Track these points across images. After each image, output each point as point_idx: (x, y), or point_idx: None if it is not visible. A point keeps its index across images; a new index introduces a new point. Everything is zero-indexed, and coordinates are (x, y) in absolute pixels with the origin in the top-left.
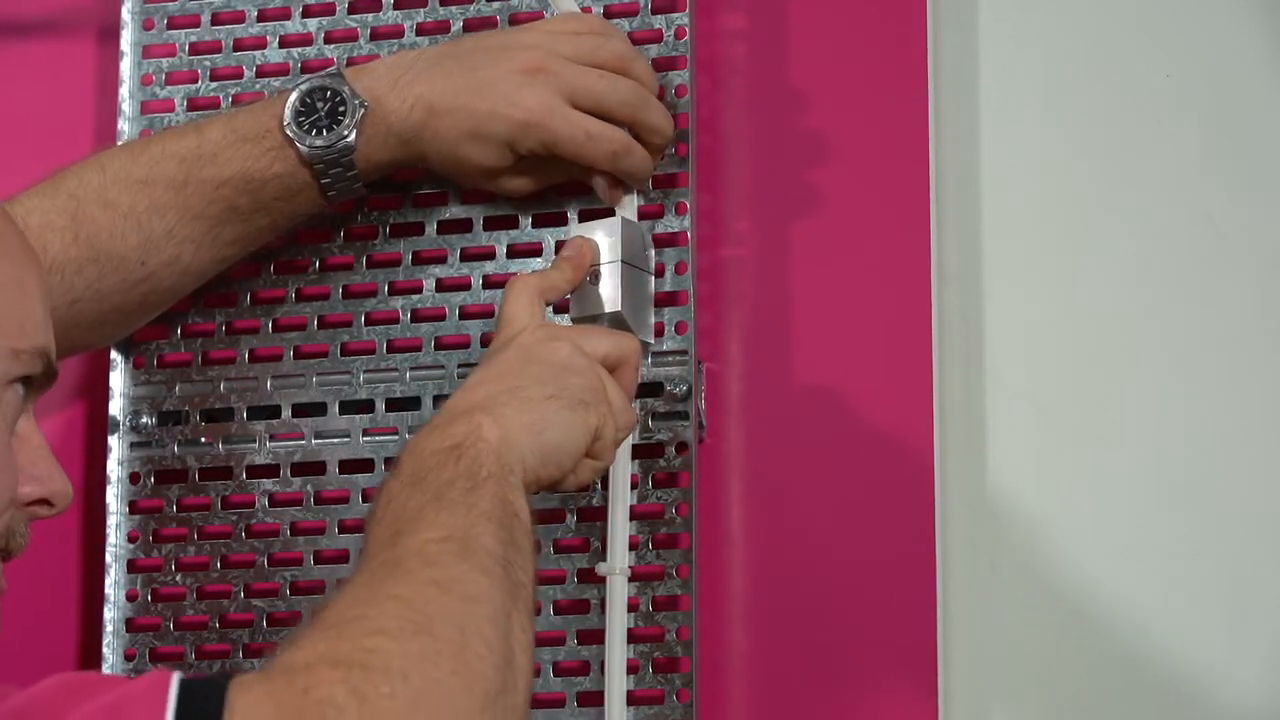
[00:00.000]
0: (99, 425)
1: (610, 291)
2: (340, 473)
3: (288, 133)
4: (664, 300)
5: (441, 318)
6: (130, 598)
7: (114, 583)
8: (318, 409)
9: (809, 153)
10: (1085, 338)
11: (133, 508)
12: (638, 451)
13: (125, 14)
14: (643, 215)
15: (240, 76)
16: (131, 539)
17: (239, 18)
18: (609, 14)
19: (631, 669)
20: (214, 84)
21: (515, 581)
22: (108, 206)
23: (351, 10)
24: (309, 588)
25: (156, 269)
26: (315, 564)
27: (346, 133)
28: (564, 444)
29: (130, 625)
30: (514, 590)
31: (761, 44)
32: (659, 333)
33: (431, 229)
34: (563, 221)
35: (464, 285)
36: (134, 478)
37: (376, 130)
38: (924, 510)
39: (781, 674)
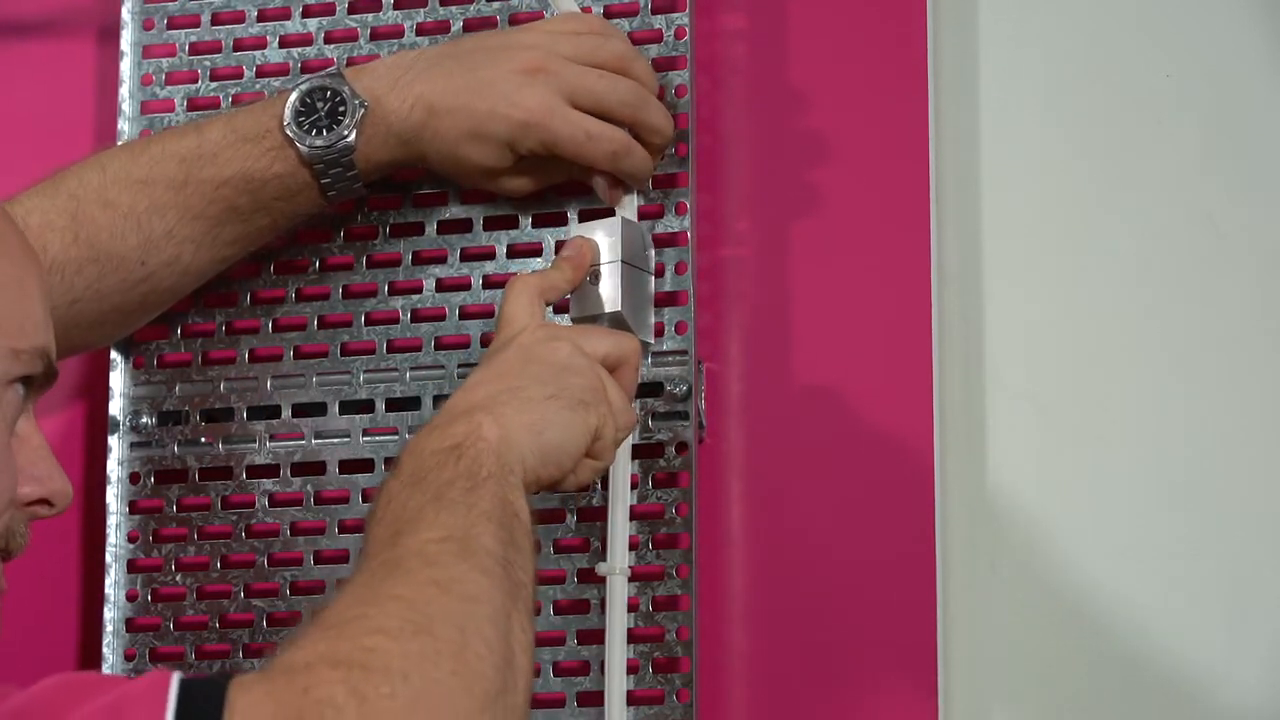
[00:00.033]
0: (99, 425)
1: (610, 291)
2: (340, 473)
3: (288, 133)
4: (664, 300)
5: (441, 318)
6: (130, 598)
7: (114, 583)
8: (318, 409)
9: (809, 153)
10: (1085, 338)
11: (133, 508)
12: (638, 451)
13: (125, 14)
14: (643, 215)
15: (240, 76)
16: (131, 539)
17: (239, 18)
18: (609, 14)
19: (631, 669)
20: (214, 84)
21: (515, 581)
22: (108, 206)
23: (351, 10)
24: (309, 588)
25: (156, 269)
26: (315, 564)
27: (346, 133)
28: (564, 444)
29: (130, 625)
30: (514, 590)
31: (761, 44)
32: (659, 333)
33: (431, 229)
34: (563, 221)
35: (464, 285)
36: (134, 478)
37: (376, 130)
38: (924, 510)
39: (781, 674)
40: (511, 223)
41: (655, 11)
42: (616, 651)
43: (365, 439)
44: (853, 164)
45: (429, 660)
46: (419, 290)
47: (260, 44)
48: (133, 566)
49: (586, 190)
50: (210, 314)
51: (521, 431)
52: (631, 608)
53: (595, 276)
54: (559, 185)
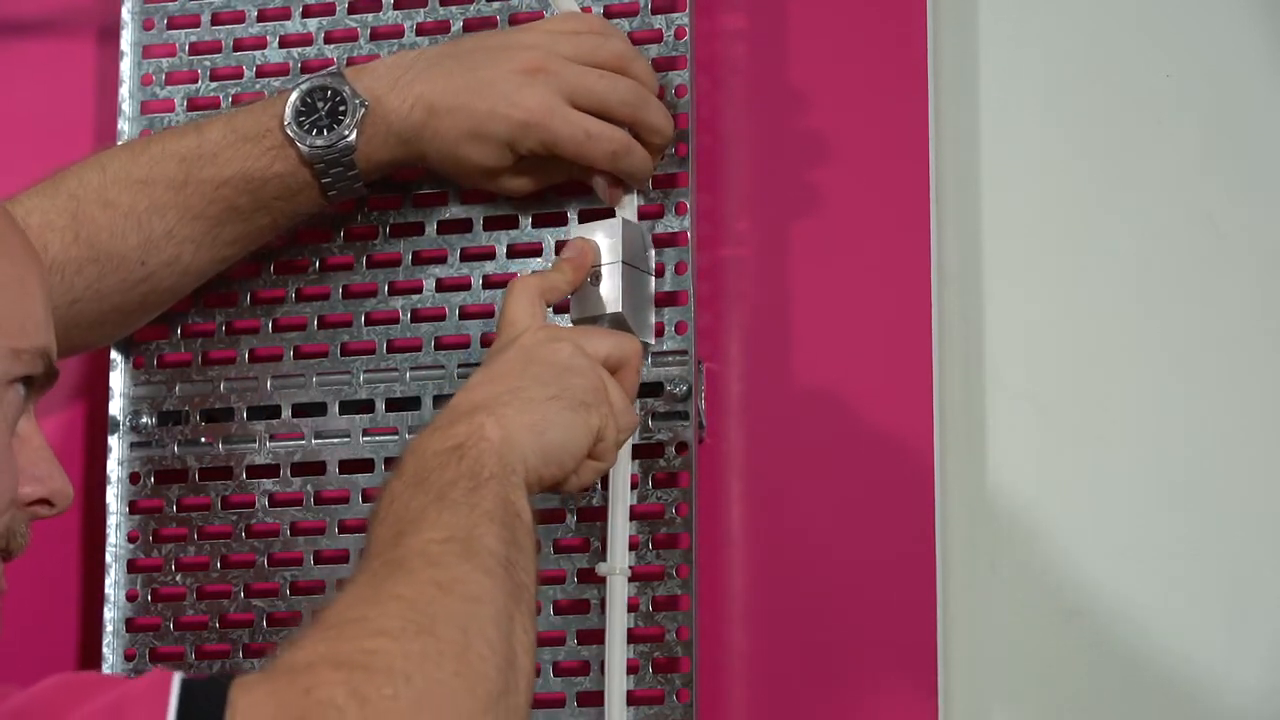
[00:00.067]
0: (99, 425)
1: (611, 292)
2: (340, 473)
3: (288, 132)
4: (664, 300)
5: (441, 318)
6: (130, 598)
7: (114, 583)
8: (318, 409)
9: (809, 153)
10: (1085, 338)
11: (133, 508)
12: (638, 451)
13: (125, 14)
14: (643, 215)
15: (240, 76)
16: (131, 539)
17: (239, 18)
18: (609, 14)
19: (631, 669)
20: (214, 84)
21: (517, 582)
22: (108, 206)
23: (351, 10)
24: (309, 588)
25: (156, 269)
26: (315, 564)
27: (347, 132)
28: (566, 444)
29: (130, 625)
30: (516, 591)
31: (761, 44)
32: (659, 333)
33: (431, 229)
34: (563, 221)
35: (464, 285)
36: (134, 478)
37: (377, 130)
38: (924, 510)
39: (781, 674)
40: (511, 223)
41: (655, 11)
42: (616, 651)
43: (365, 439)
44: (853, 164)
45: (431, 661)
46: (419, 290)
47: (260, 44)
48: (133, 566)
49: (586, 190)
50: (210, 314)
51: (523, 432)
52: (631, 608)
53: (596, 277)
54: (559, 185)
